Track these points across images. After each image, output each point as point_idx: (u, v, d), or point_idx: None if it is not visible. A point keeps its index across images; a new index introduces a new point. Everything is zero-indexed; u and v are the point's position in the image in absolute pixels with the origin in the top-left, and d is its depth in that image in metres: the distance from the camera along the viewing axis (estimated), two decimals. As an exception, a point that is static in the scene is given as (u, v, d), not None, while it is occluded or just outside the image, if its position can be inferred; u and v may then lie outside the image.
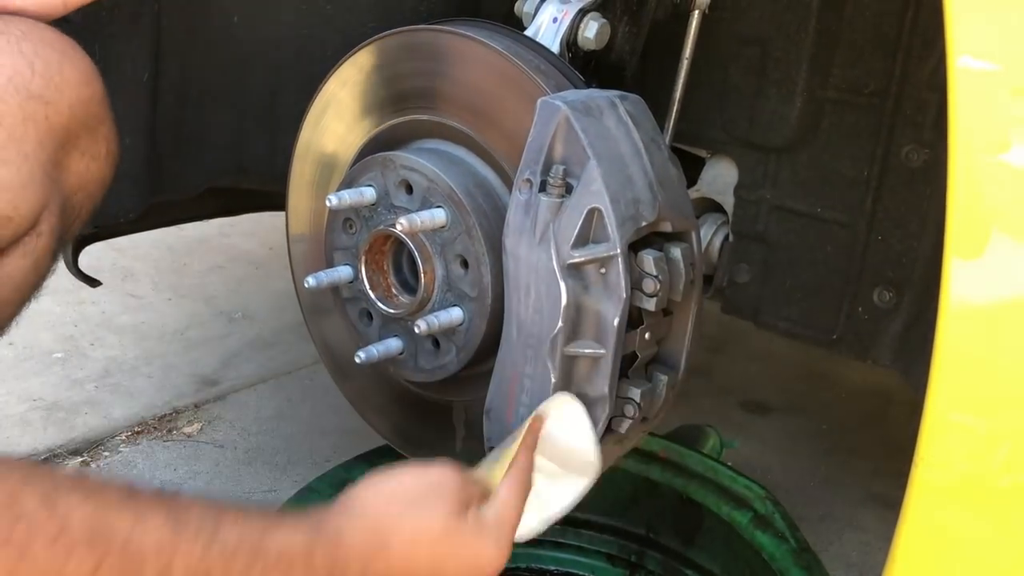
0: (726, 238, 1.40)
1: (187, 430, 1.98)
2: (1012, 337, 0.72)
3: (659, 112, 1.24)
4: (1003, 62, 0.71)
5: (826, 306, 1.31)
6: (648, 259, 0.95)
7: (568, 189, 0.93)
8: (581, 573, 1.52)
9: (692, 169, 1.43)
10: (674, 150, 1.34)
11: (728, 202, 1.40)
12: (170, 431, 1.97)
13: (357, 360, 1.12)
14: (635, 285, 0.95)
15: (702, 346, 2.39)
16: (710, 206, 1.44)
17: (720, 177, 1.41)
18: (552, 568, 1.53)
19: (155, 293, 2.53)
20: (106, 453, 1.88)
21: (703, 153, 1.43)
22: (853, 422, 2.17)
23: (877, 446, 2.03)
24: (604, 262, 0.92)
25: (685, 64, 1.22)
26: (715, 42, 1.30)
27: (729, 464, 1.40)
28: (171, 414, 2.02)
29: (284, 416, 2.06)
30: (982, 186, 0.70)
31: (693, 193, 1.43)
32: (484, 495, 0.91)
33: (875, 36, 1.20)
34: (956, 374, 0.74)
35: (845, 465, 2.00)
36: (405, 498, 0.86)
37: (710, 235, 1.42)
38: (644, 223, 0.95)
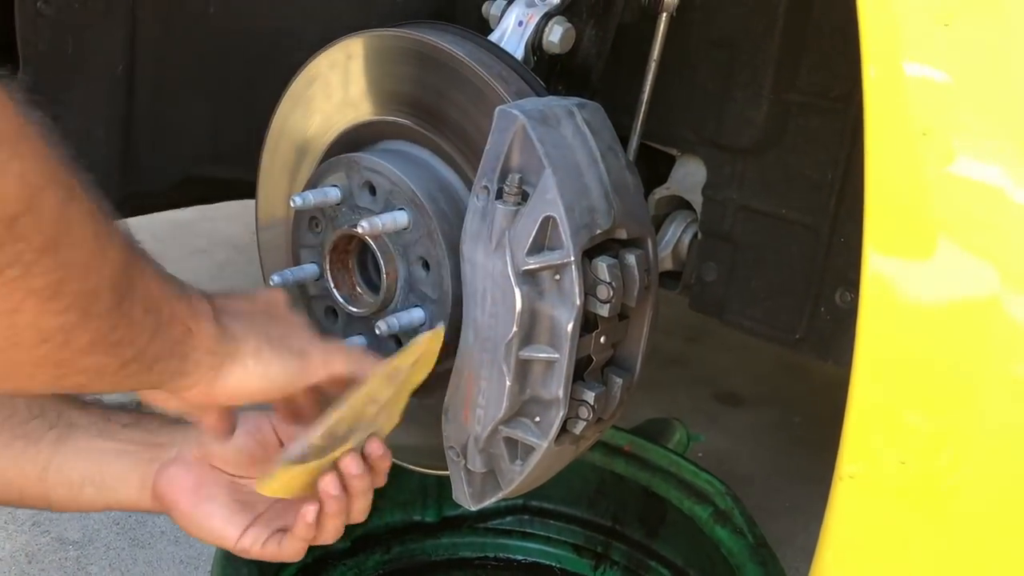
0: (695, 236, 1.42)
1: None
2: (921, 335, 0.75)
3: (630, 112, 1.26)
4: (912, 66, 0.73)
5: (789, 306, 1.32)
6: (602, 266, 0.96)
7: (524, 197, 0.94)
8: (548, 563, 1.55)
9: (663, 167, 1.44)
10: (644, 148, 1.35)
11: (697, 200, 1.41)
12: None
13: (321, 357, 1.13)
14: (589, 291, 0.96)
15: (678, 336, 2.42)
16: (680, 204, 1.46)
17: (689, 176, 1.42)
18: (520, 558, 1.55)
19: (137, 276, 2.53)
20: (85, 436, 1.89)
21: (673, 152, 1.45)
22: (825, 415, 2.19)
23: (847, 439, 2.05)
24: (558, 269, 0.94)
25: (653, 66, 1.24)
26: (684, 44, 1.31)
27: (691, 459, 1.42)
28: (150, 397, 2.03)
29: (262, 401, 2.07)
30: (891, 189, 0.72)
31: (663, 191, 1.44)
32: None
33: (840, 41, 1.21)
34: (874, 370, 0.76)
35: (814, 458, 2.01)
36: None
37: (679, 233, 1.43)
38: (599, 231, 0.96)
